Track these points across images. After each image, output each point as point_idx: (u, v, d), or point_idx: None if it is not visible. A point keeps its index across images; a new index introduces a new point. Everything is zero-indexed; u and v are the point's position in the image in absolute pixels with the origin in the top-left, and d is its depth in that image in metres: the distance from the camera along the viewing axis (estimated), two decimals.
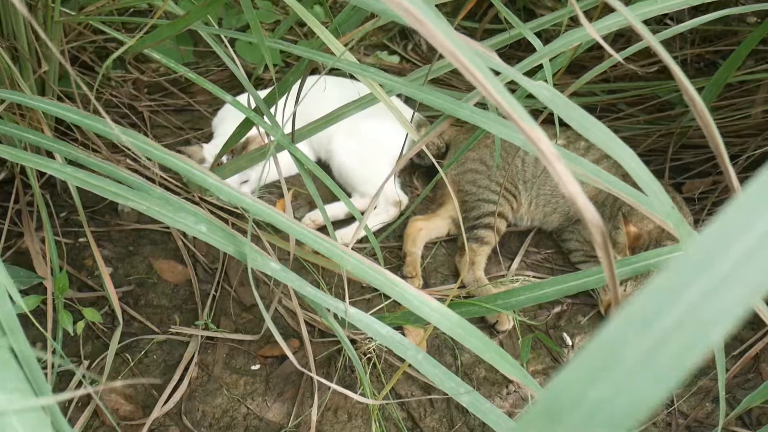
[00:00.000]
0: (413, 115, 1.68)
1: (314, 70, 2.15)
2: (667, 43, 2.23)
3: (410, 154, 0.91)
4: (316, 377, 1.15)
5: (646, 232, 1.54)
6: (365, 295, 1.57)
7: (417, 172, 1.93)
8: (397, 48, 2.36)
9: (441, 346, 1.51)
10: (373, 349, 1.39)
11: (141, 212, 1.74)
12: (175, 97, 2.06)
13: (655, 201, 0.80)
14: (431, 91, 0.96)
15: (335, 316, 1.31)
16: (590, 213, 0.55)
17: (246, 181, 1.76)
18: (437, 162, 1.92)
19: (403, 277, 1.62)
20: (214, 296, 1.56)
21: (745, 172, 1.70)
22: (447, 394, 1.40)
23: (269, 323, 1.10)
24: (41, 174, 1.76)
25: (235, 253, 0.95)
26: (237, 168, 1.50)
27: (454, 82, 2.17)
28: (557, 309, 1.59)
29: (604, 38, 0.76)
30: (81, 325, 1.39)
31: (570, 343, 1.52)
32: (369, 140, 1.83)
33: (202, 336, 1.47)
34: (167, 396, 1.35)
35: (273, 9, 2.31)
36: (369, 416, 1.34)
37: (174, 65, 1.38)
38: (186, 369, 1.40)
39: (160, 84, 2.10)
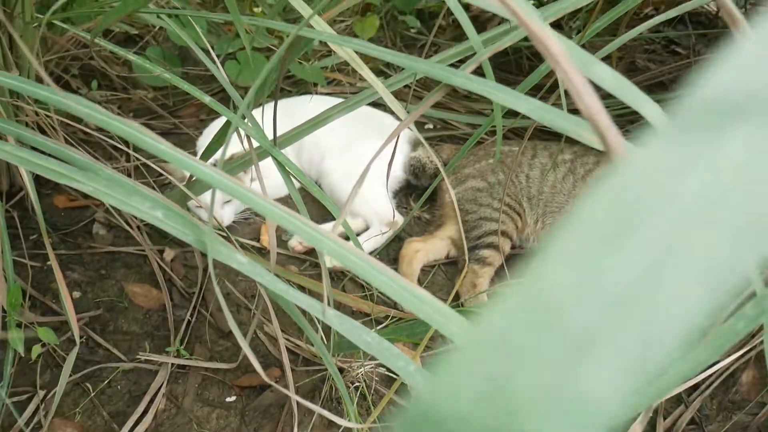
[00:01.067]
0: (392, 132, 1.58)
1: (306, 92, 2.07)
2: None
3: (403, 126, 0.79)
4: (298, 399, 1.00)
5: None
6: (357, 320, 1.41)
7: (413, 194, 1.81)
8: (393, 74, 2.28)
9: None
10: (362, 377, 1.23)
11: (115, 235, 1.66)
12: (162, 120, 1.97)
13: None
14: (422, 60, 0.85)
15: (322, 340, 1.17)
16: (603, 121, 0.42)
17: (229, 201, 1.64)
18: (437, 174, 1.80)
19: None
20: (189, 321, 1.42)
21: None
22: None
23: (246, 349, 0.96)
24: (11, 195, 1.66)
25: (195, 242, 0.82)
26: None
27: None
28: None
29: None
30: (37, 349, 1.24)
31: None
32: (362, 159, 1.71)
33: (172, 364, 1.32)
34: (128, 430, 1.19)
35: (266, 35, 2.25)
36: None
37: (150, 66, 1.29)
38: (152, 400, 1.25)
39: (148, 107, 2.02)
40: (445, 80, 0.80)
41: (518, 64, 2.32)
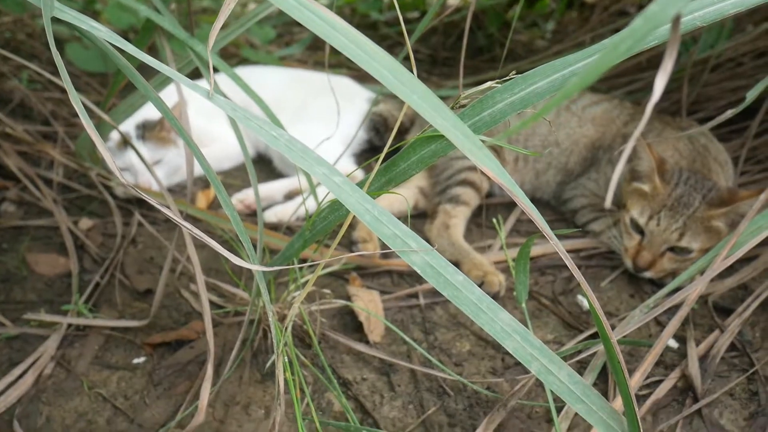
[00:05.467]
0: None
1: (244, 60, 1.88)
2: None
3: None
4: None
5: (669, 157, 1.17)
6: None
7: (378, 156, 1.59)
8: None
9: (407, 321, 1.07)
10: (302, 320, 0.96)
11: (26, 211, 1.42)
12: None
13: None
14: None
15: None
16: None
17: (159, 162, 1.41)
18: (400, 130, 1.59)
19: (354, 242, 1.22)
20: (98, 284, 1.16)
21: None
22: (414, 369, 0.95)
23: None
24: None
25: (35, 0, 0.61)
26: (131, 107, 1.16)
27: None
28: (566, 274, 1.17)
29: None
30: None
31: (588, 307, 1.08)
32: (318, 118, 1.51)
33: (69, 326, 1.04)
34: None
35: None
36: (297, 409, 0.88)
37: None
38: (33, 366, 0.97)
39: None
40: None
41: None
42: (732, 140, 1.48)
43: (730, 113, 0.91)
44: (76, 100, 0.58)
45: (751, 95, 0.90)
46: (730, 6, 0.65)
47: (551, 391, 0.83)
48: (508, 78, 0.67)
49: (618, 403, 0.82)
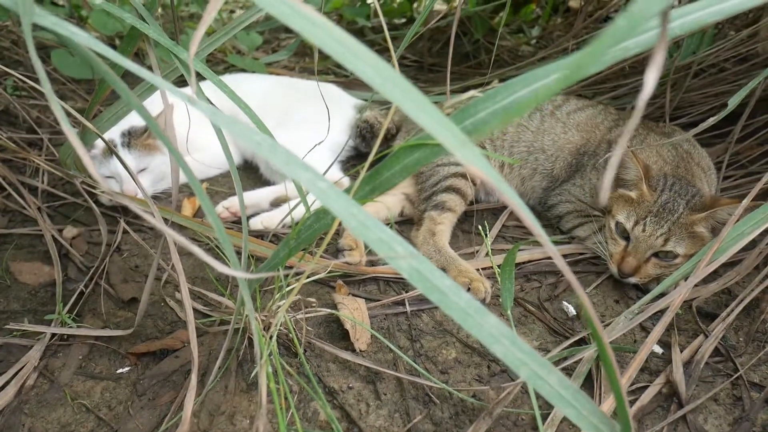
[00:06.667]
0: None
1: (233, 68, 1.88)
2: None
3: None
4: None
5: (653, 163, 1.18)
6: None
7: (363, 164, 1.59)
8: (346, 72, 2.13)
9: (393, 329, 1.07)
10: (287, 328, 0.96)
11: (10, 219, 1.41)
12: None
13: None
14: None
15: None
16: None
17: (144, 169, 1.41)
18: (387, 137, 1.59)
19: (340, 249, 1.21)
20: (83, 293, 1.15)
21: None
22: (400, 377, 0.95)
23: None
24: None
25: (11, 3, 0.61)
26: (115, 115, 1.15)
27: None
28: (551, 280, 1.17)
29: None
30: None
31: (574, 313, 1.09)
32: (304, 126, 1.51)
33: (53, 335, 1.03)
34: None
35: None
36: (281, 419, 0.88)
37: None
38: (16, 377, 0.96)
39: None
40: None
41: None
42: (715, 145, 1.50)
43: (711, 120, 0.92)
44: (57, 106, 0.58)
45: (733, 102, 0.91)
46: (708, 15, 0.65)
47: (537, 398, 0.83)
48: (490, 87, 0.67)
49: (605, 408, 0.82)
